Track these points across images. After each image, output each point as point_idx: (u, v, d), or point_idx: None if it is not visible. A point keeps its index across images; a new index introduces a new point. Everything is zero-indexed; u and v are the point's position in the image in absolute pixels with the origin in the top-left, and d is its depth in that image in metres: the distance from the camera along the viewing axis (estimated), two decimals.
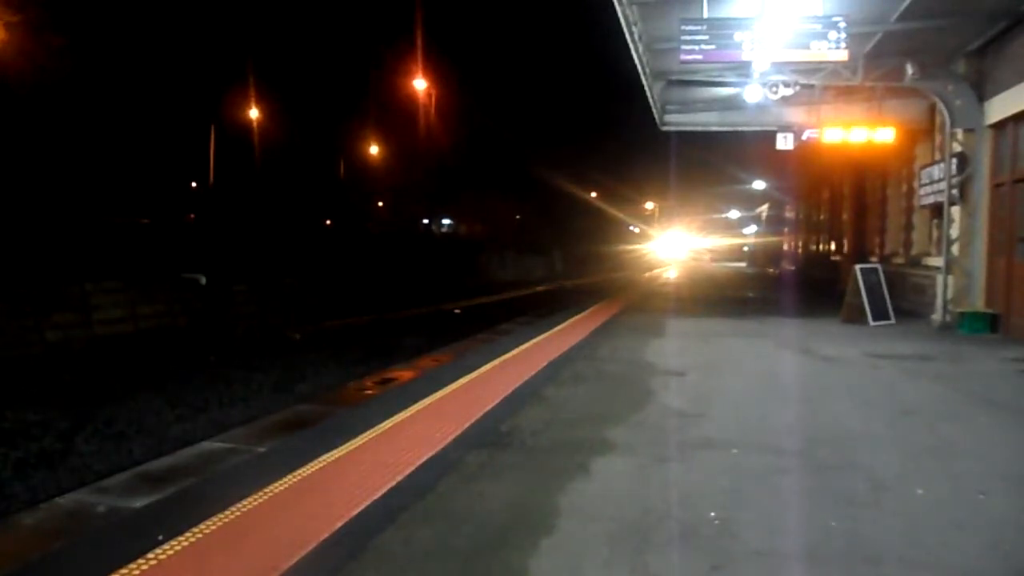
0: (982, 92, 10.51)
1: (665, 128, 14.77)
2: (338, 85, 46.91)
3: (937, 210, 11.69)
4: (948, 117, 10.80)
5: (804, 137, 12.36)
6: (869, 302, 11.28)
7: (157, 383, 10.12)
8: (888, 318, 11.36)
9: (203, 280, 18.48)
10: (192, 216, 35.42)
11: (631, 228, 63.06)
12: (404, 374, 7.25)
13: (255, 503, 3.46)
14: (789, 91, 10.64)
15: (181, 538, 3.03)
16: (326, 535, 3.09)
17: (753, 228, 46.29)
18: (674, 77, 12.43)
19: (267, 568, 2.78)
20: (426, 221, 51.50)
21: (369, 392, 6.35)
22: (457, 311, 21.79)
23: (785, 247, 32.11)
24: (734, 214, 56.30)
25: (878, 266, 12.22)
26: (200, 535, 3.08)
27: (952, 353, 8.38)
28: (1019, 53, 9.58)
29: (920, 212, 13.29)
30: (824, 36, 8.60)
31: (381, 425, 4.95)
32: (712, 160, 34.71)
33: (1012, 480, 3.92)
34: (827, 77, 11.00)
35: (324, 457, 4.19)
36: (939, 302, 10.96)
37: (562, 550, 3.00)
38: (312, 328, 16.84)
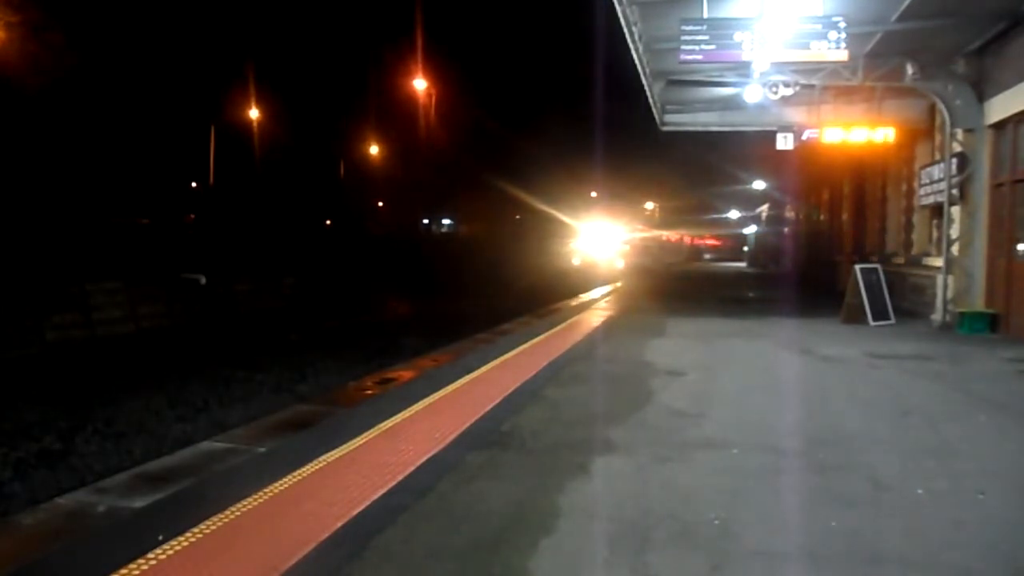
0: (982, 92, 10.51)
1: (665, 128, 14.78)
2: (338, 85, 46.95)
3: (937, 210, 11.68)
4: (948, 117, 10.80)
5: (804, 137, 12.36)
6: (869, 302, 11.27)
7: (157, 383, 10.12)
8: (888, 318, 11.36)
9: (203, 280, 18.52)
10: (192, 216, 35.44)
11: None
12: (404, 374, 7.24)
13: (255, 503, 3.46)
14: (789, 91, 10.64)
15: (181, 538, 3.03)
16: (326, 535, 3.09)
17: (753, 228, 45.86)
18: (674, 77, 12.42)
19: (267, 568, 2.78)
20: (426, 221, 51.51)
21: (369, 392, 6.33)
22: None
23: (785, 247, 32.07)
24: (734, 214, 55.23)
25: (878, 266, 12.21)
26: (200, 535, 3.08)
27: (952, 353, 8.38)
28: (1019, 53, 9.58)
29: (920, 212, 13.28)
30: (824, 36, 8.60)
31: (381, 425, 4.95)
32: (706, 157, 34.29)
33: (1012, 480, 3.92)
34: (827, 77, 11.00)
35: (324, 457, 4.19)
36: (939, 302, 10.95)
37: (562, 550, 2.99)
38: (312, 328, 16.82)
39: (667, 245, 52.58)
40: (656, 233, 51.74)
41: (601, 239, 36.51)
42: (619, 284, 23.24)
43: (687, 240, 59.02)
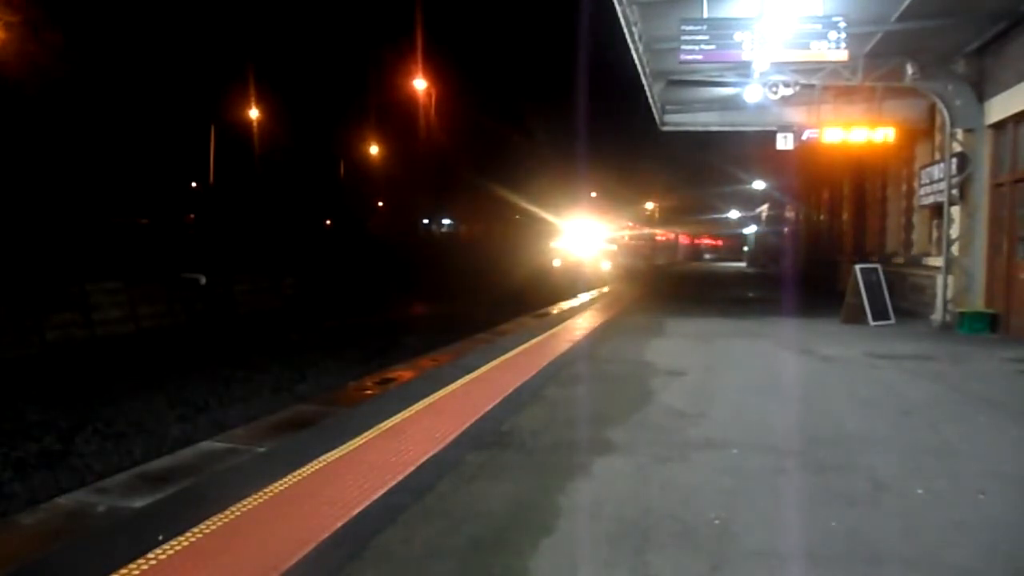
0: (982, 92, 10.51)
1: (665, 128, 14.78)
2: (338, 85, 46.95)
3: (937, 210, 11.68)
4: (948, 117, 10.79)
5: (804, 137, 12.35)
6: (869, 302, 11.27)
7: (157, 383, 10.12)
8: (888, 318, 11.36)
9: (203, 280, 18.52)
10: (192, 216, 35.44)
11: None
12: (404, 374, 7.23)
13: (255, 503, 3.46)
14: (789, 91, 10.64)
15: (181, 538, 3.03)
16: (326, 535, 3.09)
17: (753, 228, 45.72)
18: (674, 77, 12.42)
19: (267, 568, 2.78)
20: (426, 221, 51.49)
21: (369, 392, 6.33)
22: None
23: (785, 247, 32.04)
24: (734, 214, 54.88)
25: (878, 266, 12.20)
26: (200, 535, 3.08)
27: (952, 353, 8.38)
28: (1019, 53, 9.58)
29: (920, 212, 13.28)
30: (824, 36, 8.60)
31: (381, 425, 4.95)
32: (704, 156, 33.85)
33: (1011, 480, 3.92)
34: (827, 77, 11.00)
35: (324, 457, 4.19)
36: (939, 302, 10.95)
37: (562, 550, 2.99)
38: (312, 328, 16.82)
39: (659, 245, 49.11)
40: (647, 232, 48.44)
41: (589, 239, 33.38)
42: (616, 286, 23.15)
43: (683, 239, 57.45)
